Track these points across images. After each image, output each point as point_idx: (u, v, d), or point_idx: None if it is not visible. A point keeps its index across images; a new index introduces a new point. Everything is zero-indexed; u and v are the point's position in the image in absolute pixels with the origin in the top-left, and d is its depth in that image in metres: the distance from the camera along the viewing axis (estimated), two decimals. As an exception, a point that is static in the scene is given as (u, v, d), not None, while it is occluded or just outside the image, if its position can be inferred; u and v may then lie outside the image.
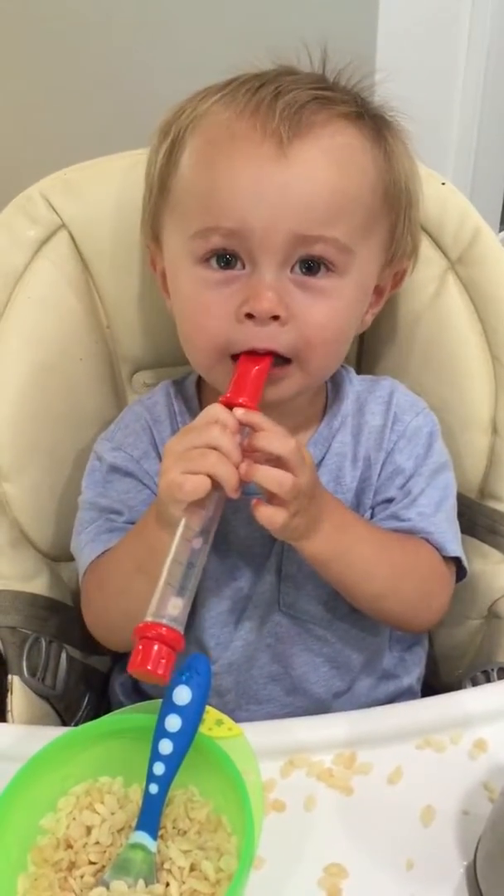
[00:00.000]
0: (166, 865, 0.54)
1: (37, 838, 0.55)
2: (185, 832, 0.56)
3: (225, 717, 0.58)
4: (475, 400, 0.79)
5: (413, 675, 0.83)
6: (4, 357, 0.76)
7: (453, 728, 0.64)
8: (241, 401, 0.62)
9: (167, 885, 0.53)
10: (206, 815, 0.56)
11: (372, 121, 0.68)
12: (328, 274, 0.66)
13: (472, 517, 0.81)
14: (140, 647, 0.53)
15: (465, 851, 0.56)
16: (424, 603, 0.75)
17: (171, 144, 0.68)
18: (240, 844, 0.51)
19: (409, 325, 0.82)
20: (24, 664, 0.74)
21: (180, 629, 0.54)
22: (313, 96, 0.65)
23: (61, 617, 0.81)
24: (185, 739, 0.54)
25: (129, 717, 0.58)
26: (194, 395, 0.79)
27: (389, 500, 0.75)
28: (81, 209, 0.79)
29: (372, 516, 0.76)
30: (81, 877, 0.54)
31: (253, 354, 0.65)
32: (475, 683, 0.75)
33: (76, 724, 0.79)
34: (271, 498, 0.61)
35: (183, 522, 0.58)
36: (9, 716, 0.73)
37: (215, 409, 0.61)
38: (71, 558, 0.78)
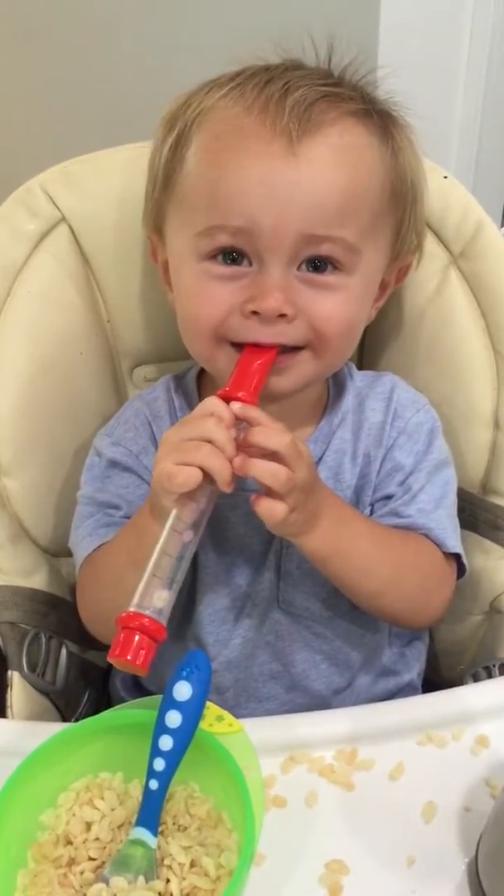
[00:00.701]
0: (166, 861, 0.54)
1: (37, 834, 0.55)
2: (185, 828, 0.56)
3: (225, 713, 0.58)
4: (477, 394, 0.79)
5: (413, 670, 0.83)
6: (4, 352, 0.76)
7: (455, 724, 0.63)
8: (239, 395, 0.62)
9: (167, 881, 0.53)
10: (207, 811, 0.56)
11: (379, 118, 0.68)
12: (335, 272, 0.66)
13: (473, 512, 0.81)
14: (121, 636, 0.53)
15: (466, 848, 0.56)
16: (424, 600, 0.74)
17: (176, 138, 0.67)
18: (240, 841, 0.51)
19: (410, 320, 0.82)
20: (24, 660, 0.74)
21: (163, 621, 0.54)
22: (322, 94, 0.64)
23: (61, 612, 0.81)
24: (185, 735, 0.54)
25: (130, 713, 0.58)
26: (194, 389, 0.79)
27: (389, 497, 0.75)
28: (82, 202, 0.78)
29: (371, 513, 0.76)
30: (81, 873, 0.54)
31: (257, 347, 0.65)
32: (477, 679, 0.75)
33: (76, 720, 0.79)
34: (268, 493, 0.61)
35: (173, 514, 0.58)
36: (9, 711, 0.73)
37: (211, 402, 0.61)
38: (70, 553, 0.78)
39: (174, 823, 0.56)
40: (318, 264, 0.65)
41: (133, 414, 0.79)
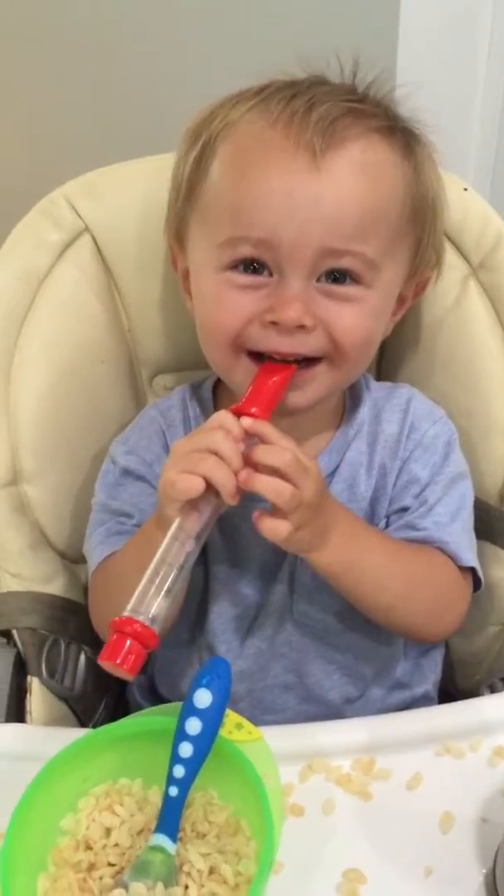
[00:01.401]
0: (185, 868, 0.54)
1: (57, 839, 0.56)
2: (204, 835, 0.56)
3: (245, 721, 0.58)
4: (496, 405, 0.79)
5: (429, 681, 0.83)
6: (27, 360, 0.77)
7: (472, 735, 0.63)
8: (252, 411, 0.62)
9: (186, 887, 0.53)
10: (226, 818, 0.56)
11: (402, 135, 0.68)
12: (354, 284, 0.66)
13: (491, 523, 0.81)
14: (113, 640, 0.53)
15: (483, 859, 0.56)
16: (439, 614, 0.74)
17: (201, 150, 0.68)
18: (259, 848, 0.52)
19: (429, 332, 0.82)
20: (44, 665, 0.75)
21: (156, 628, 0.54)
22: (347, 109, 0.65)
23: (80, 618, 0.81)
24: (204, 743, 0.54)
25: (149, 720, 0.59)
26: (210, 399, 0.79)
27: (405, 509, 0.75)
28: (104, 213, 0.79)
29: (387, 525, 0.76)
30: (101, 878, 0.54)
31: (275, 363, 0.65)
32: (494, 690, 0.75)
33: (94, 726, 0.80)
34: (274, 509, 0.61)
35: (176, 523, 0.59)
36: (28, 717, 0.73)
37: (221, 415, 0.62)
38: (87, 560, 0.78)
39: (193, 830, 0.56)
40: (337, 276, 0.65)
41: (148, 422, 0.79)
